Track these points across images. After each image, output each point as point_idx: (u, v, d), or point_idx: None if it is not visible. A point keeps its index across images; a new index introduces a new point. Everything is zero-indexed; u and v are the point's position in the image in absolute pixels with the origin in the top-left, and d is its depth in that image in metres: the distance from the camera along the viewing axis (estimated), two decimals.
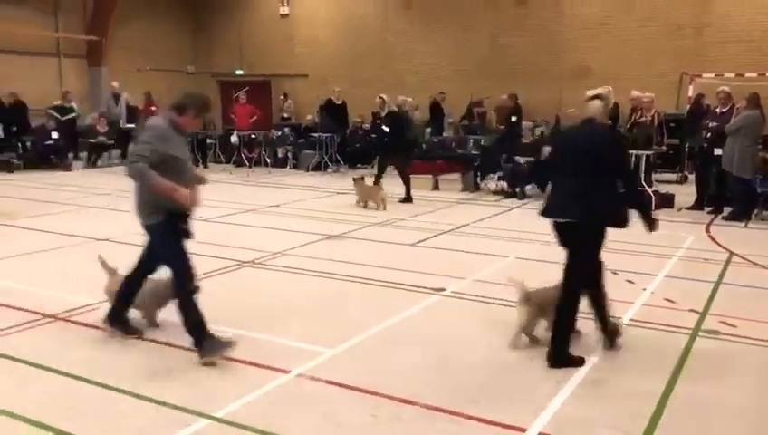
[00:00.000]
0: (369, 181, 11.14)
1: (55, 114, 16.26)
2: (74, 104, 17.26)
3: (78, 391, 3.93)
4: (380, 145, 12.01)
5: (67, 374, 4.13)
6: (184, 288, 4.39)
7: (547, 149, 5.10)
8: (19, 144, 15.66)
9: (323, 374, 4.19)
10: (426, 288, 6.10)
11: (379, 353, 4.62)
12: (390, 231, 8.85)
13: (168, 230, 4.39)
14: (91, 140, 16.55)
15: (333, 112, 16.71)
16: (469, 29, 18.82)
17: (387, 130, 11.36)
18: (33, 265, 6.92)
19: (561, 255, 4.53)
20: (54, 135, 15.80)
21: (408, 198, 11.06)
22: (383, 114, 11.89)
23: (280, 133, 17.27)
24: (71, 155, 16.27)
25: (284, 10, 21.92)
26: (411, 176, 11.37)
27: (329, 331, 4.98)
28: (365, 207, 10.60)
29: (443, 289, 6.08)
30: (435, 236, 8.51)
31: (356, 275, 6.53)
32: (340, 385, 4.06)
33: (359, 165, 16.17)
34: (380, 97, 11.94)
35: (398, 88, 19.10)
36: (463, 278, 6.42)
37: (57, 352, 4.49)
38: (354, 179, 10.97)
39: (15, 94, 16.26)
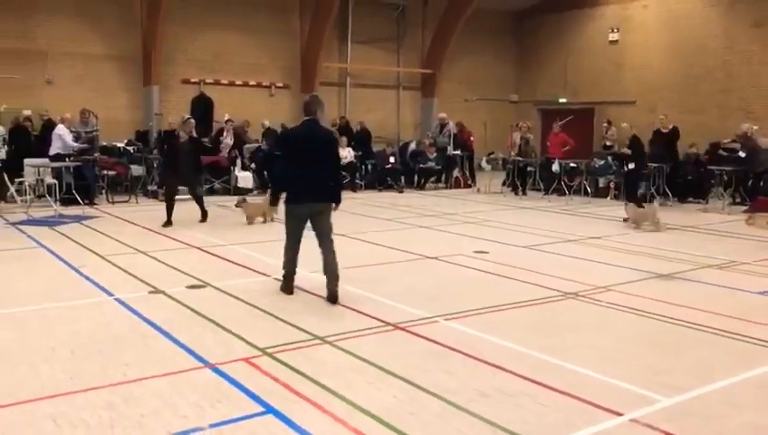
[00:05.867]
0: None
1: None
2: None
3: (418, 399, 4.23)
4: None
5: (408, 381, 4.48)
6: None
7: None
8: (362, 167, 17.71)
9: (661, 425, 3.90)
10: None
11: (724, 412, 4.14)
12: (731, 275, 7.93)
13: None
14: (421, 165, 17.99)
15: (662, 141, 15.63)
16: None
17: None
18: (371, 276, 7.69)
19: None
20: (392, 160, 17.54)
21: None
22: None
23: (602, 162, 16.74)
24: (403, 178, 17.88)
25: (614, 36, 21.35)
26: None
27: (664, 377, 4.63)
28: (252, 223, 11.21)
29: None
30: None
31: (691, 321, 5.98)
32: None
33: (690, 199, 14.87)
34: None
35: (740, 114, 17.30)
36: None
37: (398, 359, 4.90)
38: (238, 204, 11.59)
39: (362, 123, 18.51)
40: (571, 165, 16.37)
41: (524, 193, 16.38)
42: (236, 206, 11.61)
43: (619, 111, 20.49)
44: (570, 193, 15.97)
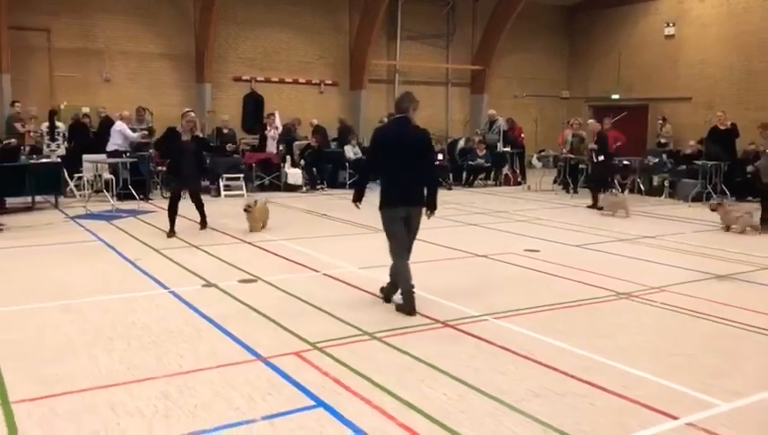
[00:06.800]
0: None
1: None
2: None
3: (468, 398, 4.20)
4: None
5: (458, 379, 4.46)
6: None
7: None
8: None
9: (719, 430, 3.78)
10: None
11: None
12: None
13: None
14: (470, 163, 17.86)
15: (719, 138, 15.17)
16: None
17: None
18: (420, 273, 7.58)
19: None
20: (440, 156, 17.44)
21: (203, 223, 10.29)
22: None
23: (657, 160, 16.34)
24: (451, 175, 17.79)
25: (670, 31, 20.81)
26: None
27: (722, 381, 4.50)
28: (254, 230, 9.99)
29: None
30: None
31: (751, 324, 5.79)
32: None
33: (749, 197, 14.37)
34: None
35: None
36: None
37: (448, 357, 4.88)
38: (247, 208, 9.98)
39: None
40: (624, 162, 16.01)
41: (576, 191, 16.09)
42: (245, 211, 9.99)
43: (674, 108, 19.99)
44: (623, 191, 15.62)
